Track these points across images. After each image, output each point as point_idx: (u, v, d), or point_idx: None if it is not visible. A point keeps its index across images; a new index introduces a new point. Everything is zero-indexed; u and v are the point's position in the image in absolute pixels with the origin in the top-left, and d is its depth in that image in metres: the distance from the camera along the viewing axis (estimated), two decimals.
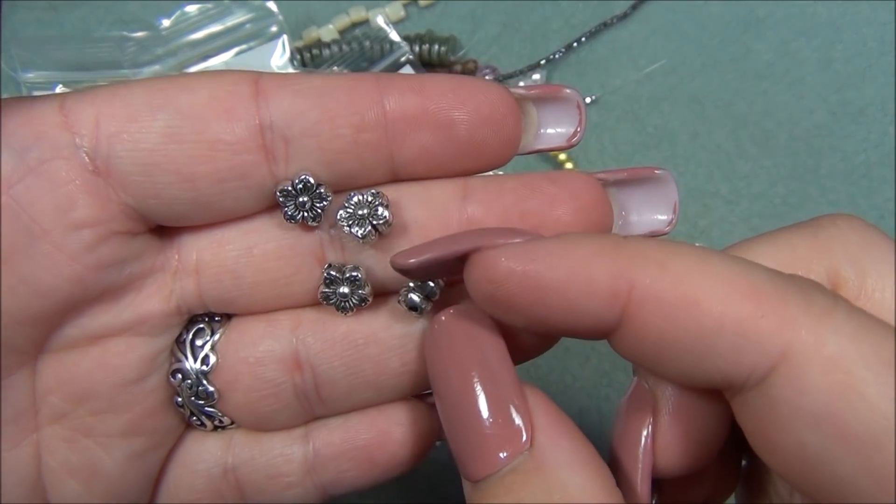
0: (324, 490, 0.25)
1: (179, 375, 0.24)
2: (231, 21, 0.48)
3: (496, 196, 0.23)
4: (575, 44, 0.49)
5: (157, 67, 0.47)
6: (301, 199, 0.22)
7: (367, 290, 0.23)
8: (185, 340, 0.24)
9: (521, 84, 0.48)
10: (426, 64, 0.48)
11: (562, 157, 0.47)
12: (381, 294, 0.24)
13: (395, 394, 0.24)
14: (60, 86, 0.46)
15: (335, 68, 0.47)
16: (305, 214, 0.22)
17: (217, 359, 0.24)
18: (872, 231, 0.21)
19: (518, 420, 0.19)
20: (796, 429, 0.17)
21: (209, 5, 0.48)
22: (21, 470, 0.22)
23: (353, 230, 0.22)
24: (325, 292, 0.23)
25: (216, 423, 0.24)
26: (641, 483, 0.21)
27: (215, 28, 0.48)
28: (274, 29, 0.47)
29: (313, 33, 0.49)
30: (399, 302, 0.23)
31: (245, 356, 0.24)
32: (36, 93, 0.45)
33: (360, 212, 0.22)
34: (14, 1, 0.49)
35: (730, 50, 0.49)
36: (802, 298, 0.17)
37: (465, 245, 0.20)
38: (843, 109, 0.48)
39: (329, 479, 0.25)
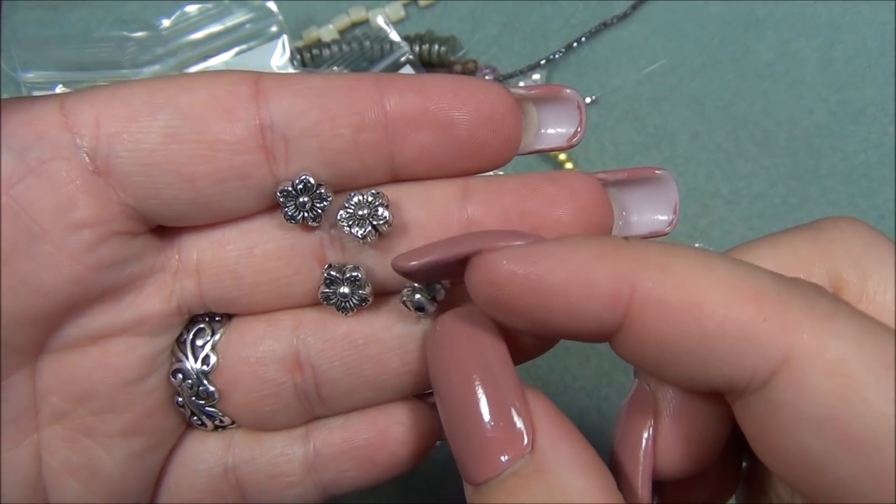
0: (324, 490, 0.25)
1: (180, 375, 0.24)
2: (231, 21, 0.48)
3: (496, 196, 0.23)
4: (575, 44, 0.49)
5: (157, 67, 0.47)
6: (301, 200, 0.22)
7: (367, 290, 0.23)
8: (185, 340, 0.24)
9: (522, 84, 0.48)
10: (426, 64, 0.48)
11: (562, 157, 0.47)
12: (382, 294, 0.24)
13: (396, 394, 0.24)
14: (60, 86, 0.46)
15: (335, 68, 0.47)
16: (306, 215, 0.22)
17: (217, 359, 0.24)
18: (874, 234, 0.21)
19: (519, 423, 0.19)
20: (798, 432, 0.17)
21: (209, 5, 0.48)
22: (21, 470, 0.22)
23: (353, 230, 0.22)
24: (326, 292, 0.23)
25: (217, 422, 0.24)
26: (642, 485, 0.21)
27: (215, 28, 0.48)
28: (274, 29, 0.47)
29: (313, 33, 0.49)
30: (403, 303, 0.23)
31: (246, 356, 0.24)
32: (36, 93, 0.45)
33: (360, 212, 0.22)
34: (14, 1, 0.49)
35: (730, 50, 0.49)
36: (804, 302, 0.17)
37: (467, 248, 0.20)
38: (843, 109, 0.48)
39: (329, 478, 0.25)
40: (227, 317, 0.25)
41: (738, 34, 0.49)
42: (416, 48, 0.48)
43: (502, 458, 0.19)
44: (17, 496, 0.22)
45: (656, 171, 0.24)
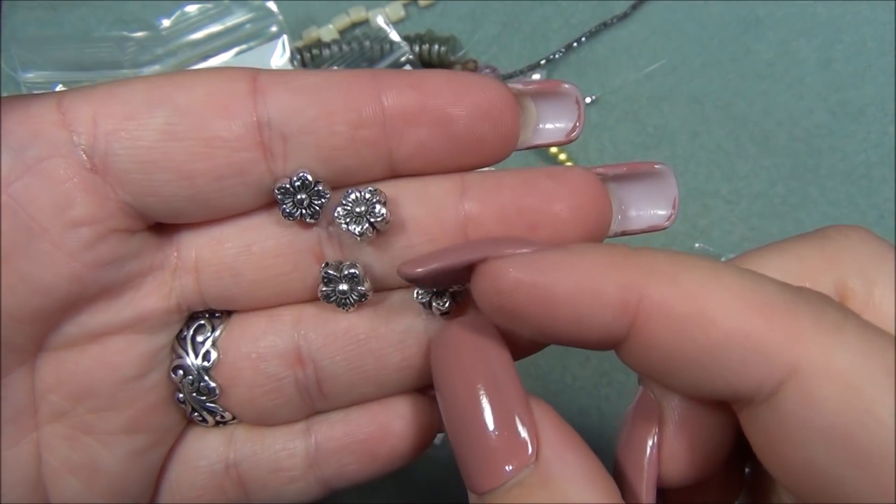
0: (326, 484, 0.25)
1: (181, 372, 0.24)
2: (231, 21, 0.48)
3: (494, 192, 0.23)
4: (575, 44, 0.49)
5: (156, 67, 0.47)
6: (299, 197, 0.22)
7: (366, 286, 0.23)
8: (185, 337, 0.24)
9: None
10: (426, 64, 0.48)
11: (562, 156, 0.47)
12: (382, 290, 0.24)
13: (397, 388, 0.24)
14: (60, 86, 0.46)
15: (335, 68, 0.47)
16: (303, 212, 0.22)
17: (218, 354, 0.24)
18: (880, 243, 0.21)
19: (524, 433, 0.19)
20: (804, 443, 0.17)
21: (209, 5, 0.48)
22: (21, 469, 0.22)
23: (350, 227, 0.22)
24: (325, 291, 0.23)
25: (217, 418, 0.24)
26: (646, 493, 0.21)
27: (215, 28, 0.48)
28: (274, 29, 0.47)
29: (313, 33, 0.49)
30: (420, 303, 0.23)
31: (247, 351, 0.24)
32: (36, 93, 0.45)
33: (357, 209, 0.22)
34: (14, 1, 0.49)
35: (730, 50, 0.49)
36: (812, 313, 0.17)
37: (473, 255, 0.20)
38: (843, 109, 0.48)
39: (331, 472, 0.25)
40: (227, 313, 0.25)
41: (738, 34, 0.49)
42: (416, 48, 0.48)
43: (506, 468, 0.19)
44: (17, 495, 0.22)
45: (655, 166, 0.24)
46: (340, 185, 0.23)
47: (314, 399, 0.24)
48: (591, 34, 0.49)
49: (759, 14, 0.49)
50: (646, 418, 0.21)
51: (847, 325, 0.17)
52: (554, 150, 0.47)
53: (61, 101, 0.21)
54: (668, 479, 0.21)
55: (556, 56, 0.49)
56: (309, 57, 0.47)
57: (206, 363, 0.24)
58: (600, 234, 0.23)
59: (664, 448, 0.21)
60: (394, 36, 0.47)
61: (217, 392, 0.24)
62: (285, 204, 0.22)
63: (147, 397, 0.23)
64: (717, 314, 0.18)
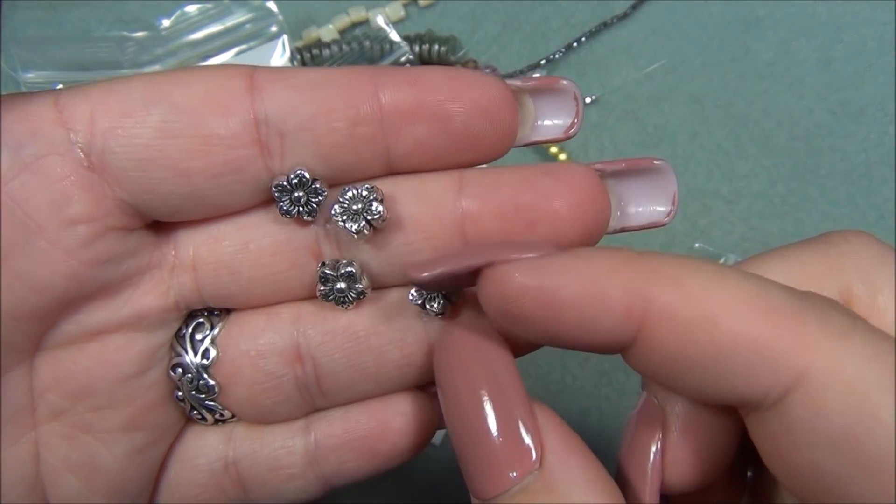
0: (326, 481, 0.25)
1: (179, 370, 0.24)
2: (231, 21, 0.48)
3: (492, 190, 0.23)
4: (575, 44, 0.49)
5: (156, 67, 0.47)
6: (296, 194, 0.22)
7: (363, 284, 0.23)
8: (184, 335, 0.24)
9: None
10: (426, 64, 0.48)
11: (562, 156, 0.47)
12: (380, 288, 0.24)
13: (396, 386, 0.24)
14: (60, 86, 0.46)
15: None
16: (301, 209, 0.22)
17: (217, 352, 0.24)
18: (883, 248, 0.21)
19: (527, 438, 0.19)
20: (812, 450, 0.17)
21: (209, 5, 0.48)
22: (20, 468, 0.22)
23: (347, 225, 0.22)
24: (322, 290, 0.23)
25: (217, 416, 0.24)
26: (650, 499, 0.21)
27: (215, 28, 0.48)
28: (274, 29, 0.47)
29: (313, 33, 0.49)
30: (416, 305, 0.23)
31: (246, 349, 0.24)
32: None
33: (354, 207, 0.22)
34: (14, 1, 0.49)
35: (730, 50, 0.49)
36: (819, 318, 0.17)
37: (479, 259, 0.20)
38: (843, 109, 0.48)
39: (331, 470, 0.25)
40: (226, 311, 0.24)
41: (738, 34, 0.49)
42: (416, 48, 0.48)
43: (511, 474, 0.19)
44: (16, 494, 0.22)
45: (654, 162, 0.23)
46: (338, 182, 0.23)
47: (313, 396, 0.24)
48: (591, 34, 0.49)
49: (759, 14, 0.49)
50: (649, 423, 0.21)
51: (855, 330, 0.17)
52: (554, 149, 0.47)
53: (58, 99, 0.21)
54: (672, 484, 0.21)
55: (556, 56, 0.49)
56: (309, 57, 0.47)
57: (205, 361, 0.24)
58: (599, 230, 0.23)
59: (668, 453, 0.21)
60: (394, 36, 0.47)
61: (216, 390, 0.24)
62: (282, 201, 0.22)
63: (146, 395, 0.23)
64: (723, 319, 0.18)
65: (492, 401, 0.20)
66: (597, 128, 0.48)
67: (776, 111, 0.48)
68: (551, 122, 0.24)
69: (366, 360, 0.24)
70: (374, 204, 0.22)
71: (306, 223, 0.23)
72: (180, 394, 0.24)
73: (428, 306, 0.23)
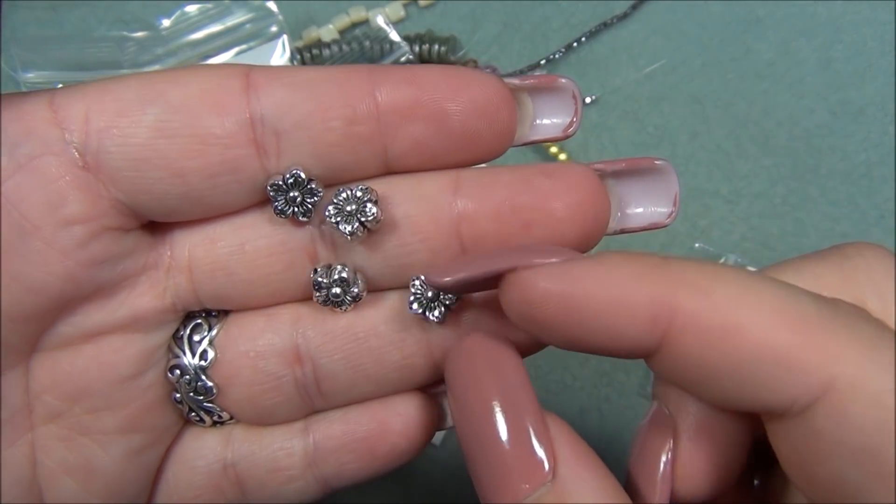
0: (325, 483, 0.25)
1: (177, 371, 0.24)
2: (231, 21, 0.48)
3: (488, 190, 0.23)
4: (575, 44, 0.49)
5: (156, 67, 0.47)
6: (292, 194, 0.22)
7: (359, 288, 0.23)
8: (182, 336, 0.24)
9: None
10: (426, 64, 0.48)
11: (562, 156, 0.47)
12: (376, 290, 0.24)
13: (396, 387, 0.24)
14: (60, 86, 0.46)
15: None
16: (296, 210, 0.22)
17: (216, 354, 0.24)
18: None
19: (540, 451, 0.19)
20: (835, 461, 0.17)
21: (209, 5, 0.48)
22: (16, 471, 0.22)
23: (341, 227, 0.22)
24: (318, 297, 0.23)
25: (215, 418, 0.24)
26: None
27: (215, 28, 0.48)
28: (274, 29, 0.47)
29: (313, 33, 0.49)
30: (417, 313, 0.23)
31: (245, 350, 0.24)
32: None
33: (348, 208, 0.22)
34: (14, 1, 0.49)
35: (730, 50, 0.49)
36: (847, 328, 0.17)
37: (502, 264, 0.20)
38: (843, 109, 0.48)
39: (330, 471, 0.25)
40: (224, 312, 0.24)
41: (738, 34, 0.49)
42: (416, 48, 0.47)
43: (523, 486, 0.19)
44: (12, 497, 0.22)
45: (656, 162, 0.23)
46: (335, 181, 0.23)
47: (313, 398, 0.24)
48: (591, 34, 0.49)
49: (759, 14, 0.49)
50: (659, 433, 0.21)
51: (882, 342, 0.17)
52: (554, 149, 0.47)
53: (53, 99, 0.21)
54: (683, 493, 0.21)
55: (556, 56, 0.49)
56: (309, 57, 0.47)
57: (203, 362, 0.24)
58: (598, 232, 0.23)
59: (679, 462, 0.21)
60: (394, 36, 0.47)
61: (214, 392, 0.24)
62: (277, 201, 0.22)
63: (143, 397, 0.23)
64: (750, 328, 0.17)
65: (504, 412, 0.19)
66: (597, 128, 0.48)
67: (776, 111, 0.48)
68: (550, 120, 0.24)
69: (366, 362, 0.24)
70: (368, 205, 0.22)
71: (301, 224, 0.23)
72: (178, 395, 0.24)
73: (428, 314, 0.23)
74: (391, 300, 0.24)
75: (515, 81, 0.23)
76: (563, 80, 0.23)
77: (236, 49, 0.47)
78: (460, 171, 0.23)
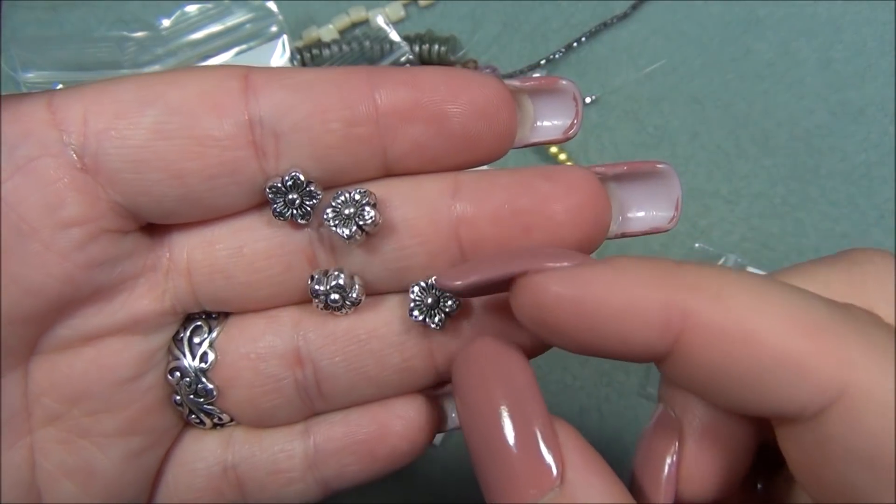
0: (326, 485, 0.25)
1: (177, 373, 0.24)
2: (231, 21, 0.48)
3: (488, 193, 0.22)
4: (575, 44, 0.49)
5: (156, 67, 0.47)
6: (290, 197, 0.22)
7: (356, 292, 0.23)
8: (182, 338, 0.24)
9: None
10: (426, 64, 0.48)
11: (562, 156, 0.47)
12: (375, 293, 0.24)
13: (396, 389, 0.24)
14: (60, 86, 0.46)
15: None
16: (294, 212, 0.22)
17: (216, 356, 0.24)
18: None
19: (548, 456, 0.19)
20: (846, 467, 0.17)
21: (209, 5, 0.48)
22: (15, 473, 0.22)
23: (338, 230, 0.22)
24: (317, 303, 0.23)
25: (215, 420, 0.24)
26: None
27: (215, 28, 0.48)
28: (274, 29, 0.47)
29: (313, 33, 0.49)
30: (417, 320, 0.23)
31: (246, 352, 0.24)
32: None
33: (346, 211, 0.22)
34: (14, 1, 0.49)
35: (730, 50, 0.49)
36: (860, 334, 0.17)
37: (513, 268, 0.20)
38: (843, 109, 0.48)
39: (331, 473, 0.24)
40: (224, 314, 0.24)
41: (738, 34, 0.49)
42: (416, 48, 0.47)
43: (531, 492, 0.19)
44: (11, 499, 0.22)
45: (657, 165, 0.23)
46: (334, 184, 0.23)
47: (313, 400, 0.24)
48: (591, 34, 0.49)
49: (759, 14, 0.49)
50: (665, 435, 0.21)
51: (894, 347, 0.17)
52: (554, 149, 0.47)
53: (52, 100, 0.21)
54: (688, 496, 0.21)
55: (556, 56, 0.49)
56: (309, 57, 0.47)
57: (203, 365, 0.24)
58: (599, 236, 0.23)
59: (684, 465, 0.21)
60: (394, 36, 0.47)
61: (214, 394, 0.24)
62: (276, 203, 0.22)
63: (143, 399, 0.23)
64: (763, 334, 0.17)
65: (511, 416, 0.19)
66: (597, 128, 0.48)
67: (776, 111, 0.48)
68: (550, 122, 0.23)
69: (366, 364, 0.23)
70: (367, 209, 0.22)
71: (300, 226, 0.23)
72: (178, 398, 0.24)
73: (428, 321, 0.23)
74: (391, 303, 0.24)
75: (516, 83, 0.23)
76: (564, 82, 0.23)
77: (236, 49, 0.47)
78: (459, 174, 0.23)
